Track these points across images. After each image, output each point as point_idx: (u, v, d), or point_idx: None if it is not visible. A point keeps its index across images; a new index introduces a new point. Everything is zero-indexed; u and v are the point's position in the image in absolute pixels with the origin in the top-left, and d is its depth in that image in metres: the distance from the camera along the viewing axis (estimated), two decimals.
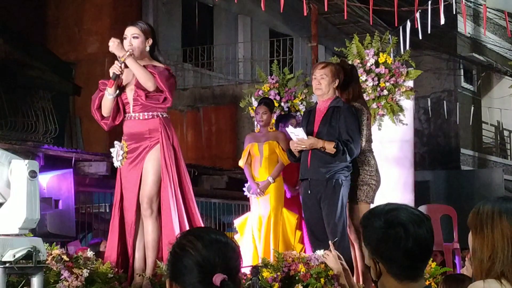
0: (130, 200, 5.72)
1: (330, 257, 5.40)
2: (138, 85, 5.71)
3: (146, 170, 5.69)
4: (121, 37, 5.80)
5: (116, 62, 5.67)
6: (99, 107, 5.82)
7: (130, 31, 5.77)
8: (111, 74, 5.68)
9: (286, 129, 7.07)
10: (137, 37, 5.74)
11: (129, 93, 5.77)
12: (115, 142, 5.84)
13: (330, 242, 5.53)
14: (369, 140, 6.80)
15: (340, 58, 7.64)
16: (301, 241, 7.76)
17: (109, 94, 5.71)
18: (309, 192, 6.51)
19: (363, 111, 6.78)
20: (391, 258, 2.63)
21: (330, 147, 6.37)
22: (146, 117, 5.74)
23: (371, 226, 2.67)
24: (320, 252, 5.82)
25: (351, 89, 6.86)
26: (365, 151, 6.72)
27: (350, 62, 8.49)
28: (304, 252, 6.81)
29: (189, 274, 2.35)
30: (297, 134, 6.55)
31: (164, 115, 5.80)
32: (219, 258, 2.36)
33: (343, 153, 6.36)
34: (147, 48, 5.79)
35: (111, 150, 5.86)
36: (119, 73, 5.66)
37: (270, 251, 7.20)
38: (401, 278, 2.64)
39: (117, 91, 5.73)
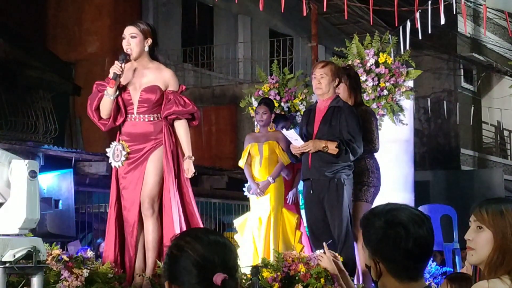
0: (132, 200, 5.70)
1: (324, 258, 5.39)
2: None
3: (149, 170, 5.67)
4: (121, 37, 5.80)
5: (116, 62, 5.65)
6: (97, 108, 5.80)
7: (128, 31, 5.75)
8: (111, 74, 5.66)
9: (282, 131, 7.09)
10: (135, 37, 5.71)
11: (134, 95, 5.74)
12: (113, 142, 5.82)
13: (324, 243, 5.51)
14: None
15: (347, 65, 7.64)
16: (301, 241, 7.76)
17: (109, 95, 5.68)
18: (311, 192, 6.50)
19: (373, 114, 6.85)
20: (391, 258, 2.63)
21: (332, 147, 6.35)
22: (152, 119, 5.74)
23: (371, 226, 2.67)
24: (319, 252, 5.81)
25: (357, 95, 6.91)
26: (373, 152, 6.76)
27: (350, 62, 8.51)
28: (304, 252, 6.80)
29: (188, 275, 2.35)
30: (291, 136, 6.54)
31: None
32: (219, 258, 2.36)
33: (346, 153, 6.35)
34: (146, 48, 5.76)
35: (107, 150, 5.84)
36: (120, 73, 5.65)
37: (270, 251, 7.19)
38: (401, 278, 2.64)
39: (117, 92, 5.71)
